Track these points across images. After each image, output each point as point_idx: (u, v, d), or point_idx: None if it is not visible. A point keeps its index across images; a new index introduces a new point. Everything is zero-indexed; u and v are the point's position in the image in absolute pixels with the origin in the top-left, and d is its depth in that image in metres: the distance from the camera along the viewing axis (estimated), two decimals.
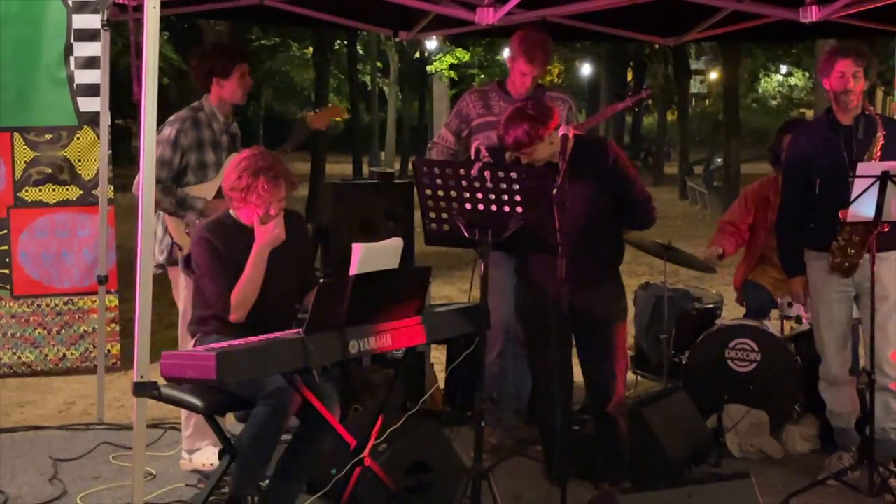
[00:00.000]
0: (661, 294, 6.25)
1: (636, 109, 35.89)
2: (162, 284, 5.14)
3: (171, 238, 5.22)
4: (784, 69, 41.83)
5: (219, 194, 5.10)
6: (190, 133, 5.16)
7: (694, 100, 45.49)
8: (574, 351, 4.83)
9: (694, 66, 38.32)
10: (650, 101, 34.58)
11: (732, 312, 7.21)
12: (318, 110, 5.77)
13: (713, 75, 42.33)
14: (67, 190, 7.25)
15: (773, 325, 6.28)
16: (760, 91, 45.12)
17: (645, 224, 4.75)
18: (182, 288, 5.19)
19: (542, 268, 4.60)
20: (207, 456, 5.22)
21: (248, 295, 4.31)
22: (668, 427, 5.18)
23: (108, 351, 7.17)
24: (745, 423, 5.67)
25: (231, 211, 4.49)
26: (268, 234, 4.33)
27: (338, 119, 5.83)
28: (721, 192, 22.63)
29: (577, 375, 4.88)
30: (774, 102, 45.75)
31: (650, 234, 5.70)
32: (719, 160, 25.85)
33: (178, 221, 5.16)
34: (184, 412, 5.18)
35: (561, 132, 4.46)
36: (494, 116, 5.53)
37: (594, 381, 4.80)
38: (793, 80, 44.37)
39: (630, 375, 6.33)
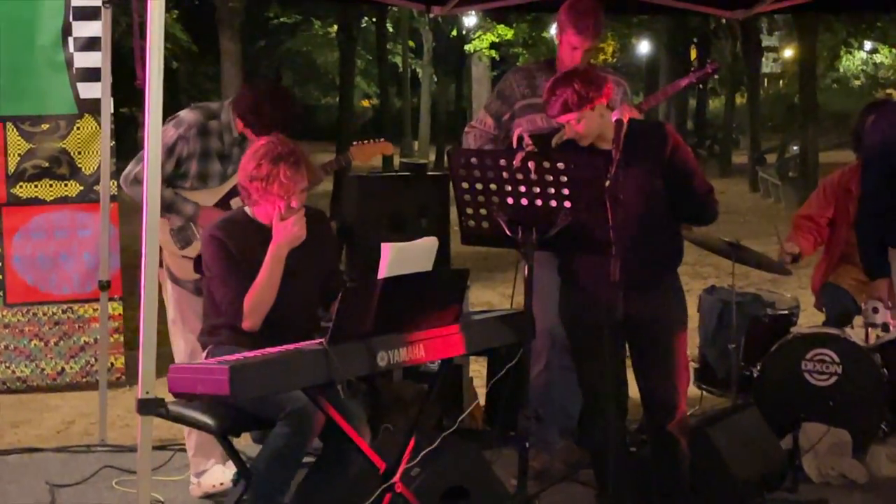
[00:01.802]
0: (728, 299, 6.22)
1: (700, 87, 35.72)
2: None
3: None
4: (868, 45, 41.45)
5: (220, 204, 5.15)
6: (193, 142, 5.17)
7: (766, 80, 45.23)
8: (628, 363, 4.82)
9: (766, 42, 38.11)
10: (716, 80, 34.38)
11: (810, 319, 7.15)
12: (364, 142, 5.76)
13: (788, 52, 42.04)
14: (66, 186, 7.30)
15: (856, 333, 6.22)
16: (841, 70, 44.75)
17: (706, 219, 4.74)
18: (167, 292, 5.23)
19: (591, 269, 4.59)
20: (216, 476, 5.25)
21: (263, 299, 4.33)
22: (736, 448, 5.15)
23: (112, 364, 7.22)
24: (825, 444, 5.63)
25: (246, 208, 4.52)
26: (287, 231, 4.35)
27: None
28: (797, 183, 22.51)
29: (633, 390, 4.86)
30: (857, 83, 45.36)
31: (716, 231, 5.67)
32: (795, 148, 25.72)
33: (161, 220, 5.19)
34: (187, 430, 5.20)
35: (614, 116, 4.45)
36: (540, 98, 5.51)
37: (652, 397, 4.78)
38: (878, 58, 43.97)
39: (693, 390, 6.29)
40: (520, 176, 4.21)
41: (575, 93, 4.46)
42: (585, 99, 4.47)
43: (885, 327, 6.10)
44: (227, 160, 5.25)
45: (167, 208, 5.12)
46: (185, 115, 5.25)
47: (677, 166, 4.61)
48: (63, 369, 7.38)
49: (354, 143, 5.78)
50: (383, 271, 4.10)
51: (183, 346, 5.24)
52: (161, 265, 5.16)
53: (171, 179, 5.17)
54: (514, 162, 4.19)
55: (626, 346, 4.75)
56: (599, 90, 4.50)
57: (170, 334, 5.28)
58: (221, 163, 5.25)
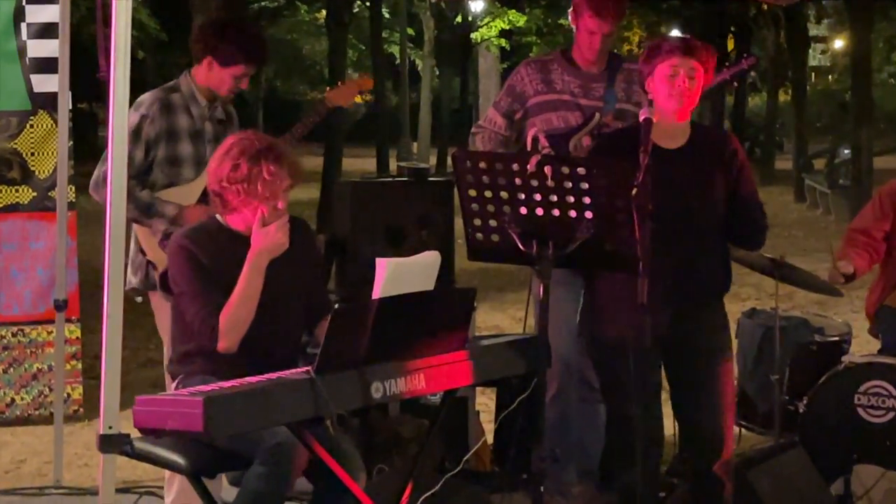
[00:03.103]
0: (771, 323, 6.22)
1: (736, 85, 35.83)
2: (136, 311, 5.19)
3: (144, 254, 5.26)
4: None
5: (202, 199, 5.15)
6: (158, 120, 5.20)
7: (813, 75, 45.28)
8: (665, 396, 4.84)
9: (813, 31, 38.15)
10: (757, 75, 34.39)
11: (864, 347, 7.15)
12: (338, 84, 5.81)
13: (838, 43, 42.08)
14: (17, 192, 7.31)
15: None
16: None
17: (756, 242, 4.83)
18: (167, 318, 5.22)
19: (616, 289, 4.60)
20: None
21: (241, 315, 4.31)
22: (779, 493, 5.15)
23: (68, 395, 7.22)
24: (881, 489, 5.62)
25: (217, 216, 4.50)
26: (269, 238, 4.33)
27: (359, 98, 5.87)
28: (849, 192, 22.49)
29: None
30: None
31: None
32: (846, 152, 25.71)
33: (148, 233, 5.20)
34: (168, 472, 5.20)
35: (642, 115, 4.47)
36: (556, 94, 5.53)
37: (697, 434, 4.81)
38: None
39: None
40: (534, 182, 4.22)
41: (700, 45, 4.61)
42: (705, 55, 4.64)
43: None
44: (198, 139, 5.27)
45: (145, 212, 5.13)
46: (144, 96, 5.30)
47: (742, 184, 4.69)
48: (13, 400, 7.38)
49: (328, 88, 5.81)
50: (379, 290, 4.10)
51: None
52: (155, 287, 5.16)
53: (143, 174, 5.18)
54: (528, 166, 4.21)
55: (664, 376, 4.78)
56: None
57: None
58: (193, 143, 5.26)
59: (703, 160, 4.65)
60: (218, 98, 5.36)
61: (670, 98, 4.60)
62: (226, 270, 4.36)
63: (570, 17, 5.64)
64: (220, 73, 5.28)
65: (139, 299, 5.25)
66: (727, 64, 6.00)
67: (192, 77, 5.33)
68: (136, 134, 5.14)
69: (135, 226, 5.21)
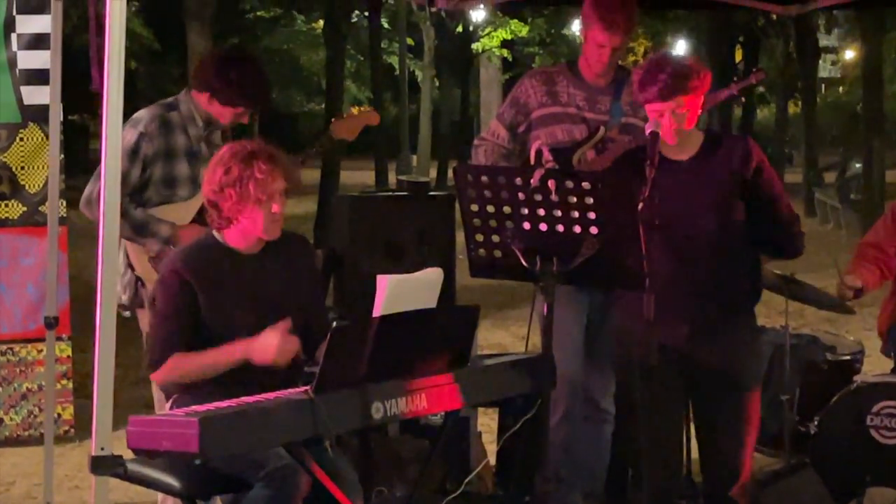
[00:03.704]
0: (781, 341, 6.22)
1: (743, 99, 35.85)
2: (129, 328, 5.18)
3: (133, 270, 5.27)
4: None
5: (197, 219, 5.16)
6: (157, 139, 5.23)
7: (823, 86, 45.30)
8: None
9: (823, 41, 38.20)
10: (764, 88, 34.38)
11: (876, 366, 7.14)
12: (345, 115, 5.81)
13: (849, 54, 42.12)
14: (7, 206, 7.33)
15: None
16: None
17: (789, 252, 4.84)
18: None
19: (623, 306, 4.61)
20: None
21: (187, 377, 4.37)
22: None
23: (59, 415, 7.22)
24: None
25: (214, 232, 4.51)
26: (267, 350, 4.28)
27: (356, 110, 5.88)
28: (860, 206, 22.51)
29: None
30: None
31: (767, 261, 5.66)
32: (857, 165, 25.72)
33: (139, 249, 5.21)
34: (160, 495, 5.20)
35: (649, 129, 4.48)
36: (561, 107, 5.53)
37: (716, 458, 4.81)
38: None
39: None
40: (538, 197, 4.22)
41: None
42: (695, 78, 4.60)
43: None
44: (195, 159, 5.29)
45: (139, 230, 5.14)
46: (141, 112, 5.31)
47: (761, 188, 4.67)
48: (2, 421, 7.38)
49: (333, 119, 5.81)
50: (379, 308, 4.10)
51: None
52: (143, 305, 5.18)
53: (137, 192, 5.19)
54: (532, 180, 4.21)
55: (687, 398, 4.80)
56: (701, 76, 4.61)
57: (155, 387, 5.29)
58: (190, 164, 5.28)
59: (714, 169, 4.64)
60: (217, 123, 5.39)
61: (663, 134, 4.60)
62: (220, 291, 4.38)
63: (577, 29, 5.65)
64: (220, 108, 5.32)
65: (127, 314, 5.25)
66: (735, 78, 6.02)
67: (193, 99, 5.35)
68: (133, 152, 5.16)
69: (125, 242, 5.22)
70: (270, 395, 3.90)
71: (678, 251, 4.49)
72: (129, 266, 5.27)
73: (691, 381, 4.73)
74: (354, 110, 5.90)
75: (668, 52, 4.74)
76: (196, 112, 5.33)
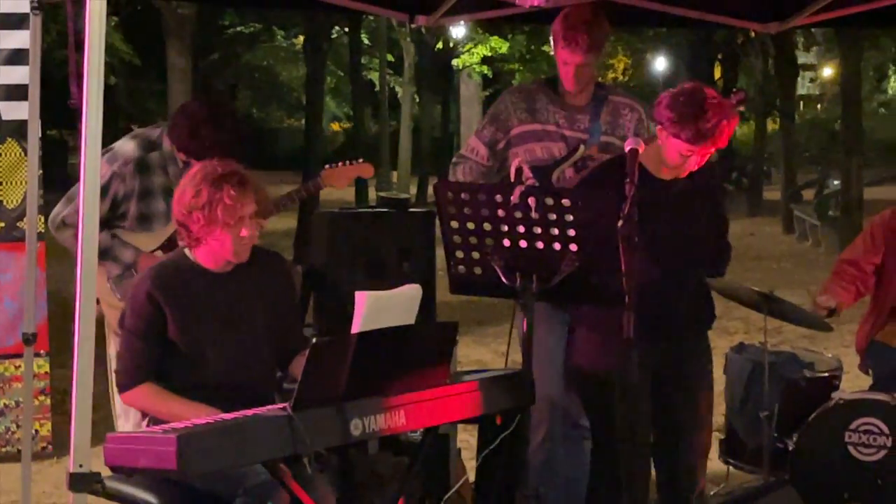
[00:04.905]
0: (759, 358, 6.22)
1: None
2: (106, 344, 5.18)
3: None
4: None
5: (164, 246, 5.16)
6: (130, 181, 5.24)
7: (802, 104, 45.48)
8: None
9: (802, 59, 38.36)
10: (742, 105, 34.45)
11: (855, 383, 7.16)
12: (336, 165, 5.79)
13: (827, 71, 42.30)
14: None
15: None
16: (890, 92, 45.08)
17: (720, 267, 4.87)
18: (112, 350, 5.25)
19: (602, 323, 4.62)
20: None
21: (155, 413, 4.37)
22: None
23: (37, 432, 7.19)
24: None
25: (186, 251, 4.51)
26: None
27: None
28: (838, 224, 22.55)
29: None
30: None
31: (746, 279, 5.69)
32: (836, 182, 25.79)
33: (99, 269, 5.20)
34: None
35: (628, 146, 4.49)
36: (541, 124, 5.54)
37: (673, 468, 4.82)
38: None
39: (719, 465, 6.29)
40: (518, 214, 4.23)
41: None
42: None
43: None
44: (172, 196, 5.28)
45: (102, 255, 5.12)
46: (121, 146, 5.30)
47: (715, 205, 4.72)
48: None
49: (327, 166, 5.80)
50: (358, 324, 4.10)
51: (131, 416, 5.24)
52: (102, 323, 5.17)
53: (108, 221, 5.19)
54: (512, 198, 4.22)
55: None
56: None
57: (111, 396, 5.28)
58: (166, 201, 5.27)
59: (694, 191, 4.67)
60: None
61: (677, 167, 4.62)
62: (190, 310, 4.38)
63: None
64: (195, 161, 5.26)
65: None
66: None
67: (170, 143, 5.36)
68: (103, 189, 5.15)
69: None
70: (249, 412, 3.89)
71: (653, 268, 4.50)
72: None
73: (655, 396, 4.74)
74: (349, 164, 5.88)
75: (705, 89, 4.73)
76: (176, 152, 5.32)
